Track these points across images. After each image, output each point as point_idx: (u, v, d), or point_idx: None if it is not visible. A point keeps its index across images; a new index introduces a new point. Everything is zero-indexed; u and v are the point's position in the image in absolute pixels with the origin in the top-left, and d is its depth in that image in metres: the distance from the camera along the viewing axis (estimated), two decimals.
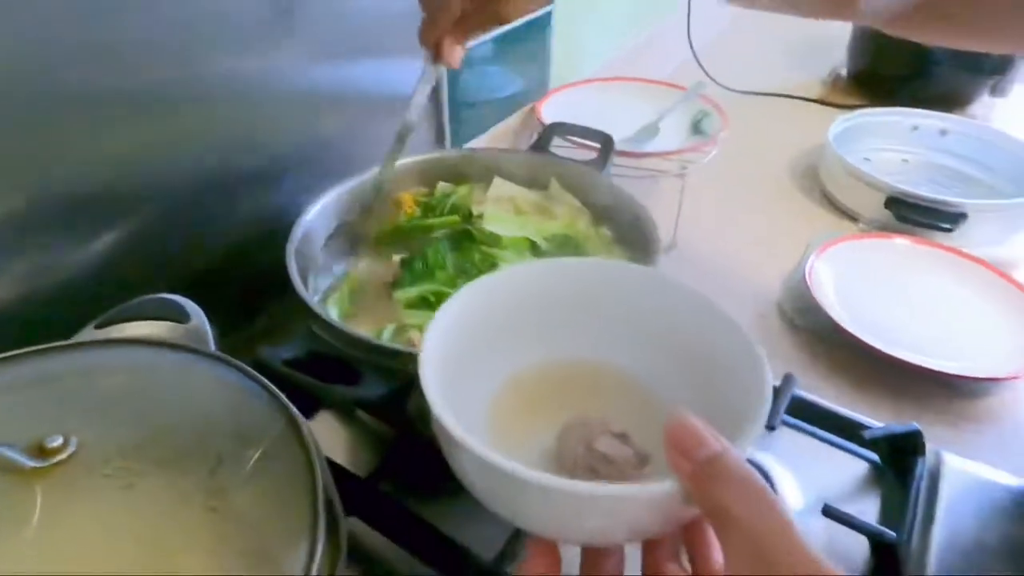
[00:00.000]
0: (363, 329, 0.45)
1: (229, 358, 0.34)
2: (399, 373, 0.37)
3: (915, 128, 0.91)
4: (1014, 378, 0.56)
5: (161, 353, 0.34)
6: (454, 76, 0.66)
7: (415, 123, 0.48)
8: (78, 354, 0.33)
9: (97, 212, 0.43)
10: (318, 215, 0.51)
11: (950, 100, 1.03)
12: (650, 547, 0.26)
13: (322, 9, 0.52)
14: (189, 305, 0.41)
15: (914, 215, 0.74)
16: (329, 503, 0.27)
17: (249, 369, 0.33)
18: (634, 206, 0.49)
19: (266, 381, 0.31)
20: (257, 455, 0.28)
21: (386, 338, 0.44)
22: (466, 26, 0.44)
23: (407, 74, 0.62)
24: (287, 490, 0.27)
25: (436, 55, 0.45)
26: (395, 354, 0.37)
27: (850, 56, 1.13)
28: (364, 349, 0.38)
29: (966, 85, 1.03)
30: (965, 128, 0.89)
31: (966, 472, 0.49)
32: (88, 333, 0.38)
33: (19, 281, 0.41)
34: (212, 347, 0.40)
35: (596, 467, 0.28)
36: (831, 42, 1.21)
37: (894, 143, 0.92)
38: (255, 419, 0.30)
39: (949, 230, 0.72)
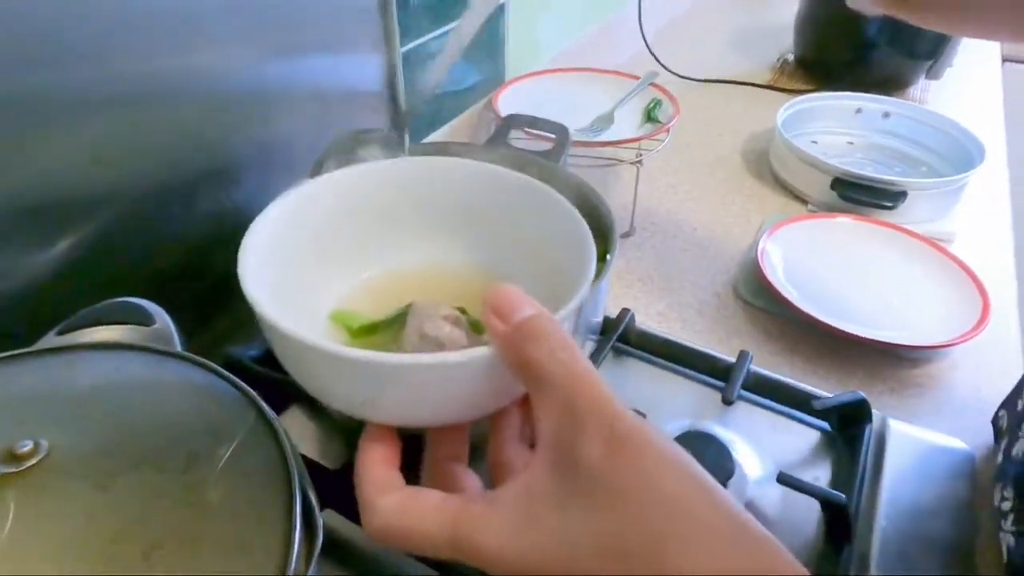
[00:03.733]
0: None
1: (196, 357, 0.34)
2: None
3: (859, 111, 0.95)
4: (950, 345, 0.59)
5: (127, 356, 0.34)
6: (411, 70, 0.67)
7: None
8: (42, 361, 0.33)
9: (53, 217, 0.43)
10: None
11: (890, 83, 1.07)
12: (495, 430, 0.27)
13: (274, 2, 0.52)
14: (152, 307, 0.41)
15: (858, 195, 0.77)
16: (304, 493, 0.28)
17: (217, 367, 0.33)
18: (591, 195, 0.51)
19: (235, 378, 0.32)
20: (230, 451, 0.29)
21: None
22: None
23: (361, 68, 0.63)
24: (262, 483, 0.28)
25: None
26: None
27: (796, 43, 1.17)
28: None
29: (904, 69, 1.08)
30: (906, 111, 0.93)
31: (909, 436, 0.52)
32: (50, 340, 0.38)
33: None
34: (178, 348, 0.40)
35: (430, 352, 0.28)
36: (779, 30, 1.25)
37: (840, 126, 0.96)
38: (226, 416, 0.31)
39: (891, 208, 0.76)
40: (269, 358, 0.39)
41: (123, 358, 0.34)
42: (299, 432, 0.51)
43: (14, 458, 0.26)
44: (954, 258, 0.68)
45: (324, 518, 0.41)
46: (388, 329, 0.31)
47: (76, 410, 0.29)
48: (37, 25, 0.39)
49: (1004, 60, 1.30)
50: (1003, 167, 0.93)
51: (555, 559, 0.20)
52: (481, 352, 0.23)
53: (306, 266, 0.31)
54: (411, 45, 0.66)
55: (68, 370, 0.32)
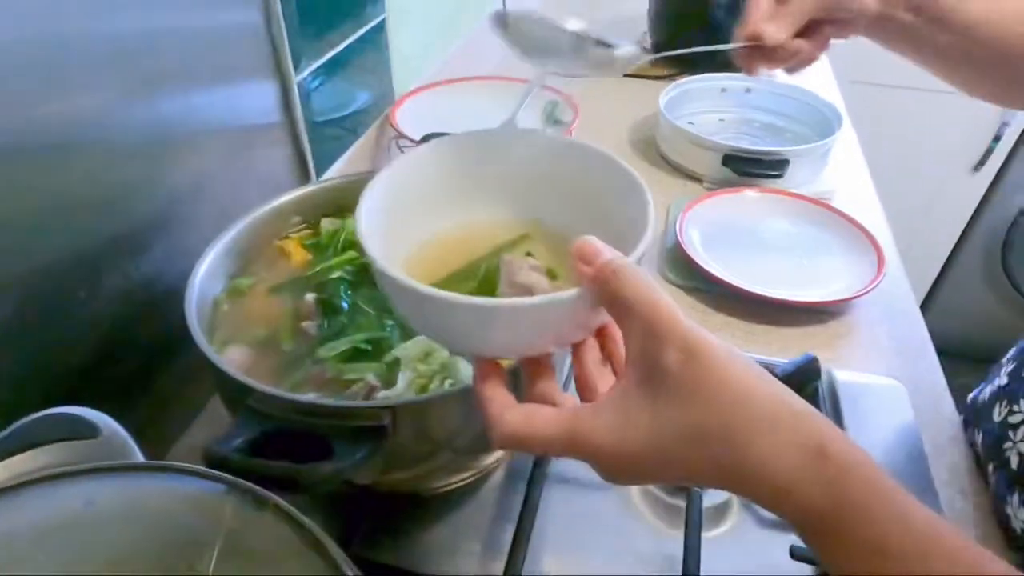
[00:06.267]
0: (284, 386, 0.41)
1: (182, 465, 0.29)
2: (369, 430, 0.34)
3: (724, 90, 1.02)
4: (864, 293, 0.65)
5: (97, 482, 0.28)
6: (306, 98, 0.62)
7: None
8: None
9: None
10: (204, 277, 0.45)
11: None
12: (578, 356, 0.31)
13: (142, 33, 0.45)
14: (92, 415, 0.35)
15: (748, 168, 0.83)
16: None
17: (217, 474, 0.29)
18: None
19: (255, 487, 0.27)
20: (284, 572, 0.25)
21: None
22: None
23: (256, 98, 0.57)
24: None
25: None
26: (368, 412, 0.34)
27: (652, 31, 1.23)
28: (326, 415, 0.34)
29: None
30: (764, 86, 1.01)
31: (854, 383, 0.57)
32: None
33: None
34: (139, 456, 0.34)
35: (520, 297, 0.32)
36: (628, 20, 1.31)
37: (710, 106, 1.02)
38: (259, 532, 0.26)
39: (778, 176, 0.82)
40: (250, 446, 0.34)
41: (90, 486, 0.28)
42: None
43: None
44: (843, 215, 0.75)
45: None
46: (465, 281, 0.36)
47: (88, 568, 0.24)
48: None
49: None
50: (849, 126, 1.04)
51: (649, 446, 0.26)
52: (574, 292, 0.28)
53: (392, 222, 0.34)
54: (307, 72, 0.61)
55: (33, 515, 0.26)
